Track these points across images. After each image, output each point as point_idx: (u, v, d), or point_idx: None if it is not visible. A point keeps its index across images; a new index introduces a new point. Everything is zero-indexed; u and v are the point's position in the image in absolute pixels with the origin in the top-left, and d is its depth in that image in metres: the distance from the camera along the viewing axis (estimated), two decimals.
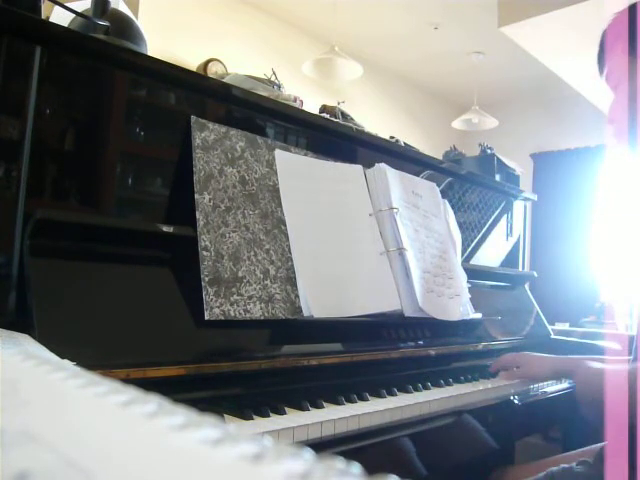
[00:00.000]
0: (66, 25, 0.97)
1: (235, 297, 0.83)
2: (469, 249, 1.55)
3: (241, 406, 0.73)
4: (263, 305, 0.86)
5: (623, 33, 0.82)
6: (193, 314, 0.79)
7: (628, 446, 0.78)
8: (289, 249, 0.94)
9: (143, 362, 0.70)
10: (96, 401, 0.21)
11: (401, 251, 1.10)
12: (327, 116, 1.45)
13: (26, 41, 0.74)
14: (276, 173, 0.99)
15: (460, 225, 1.41)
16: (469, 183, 1.57)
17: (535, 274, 1.77)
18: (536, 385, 1.17)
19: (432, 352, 1.14)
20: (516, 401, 1.09)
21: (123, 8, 1.24)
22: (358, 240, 1.07)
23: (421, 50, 4.85)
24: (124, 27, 1.05)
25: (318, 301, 0.92)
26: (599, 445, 0.91)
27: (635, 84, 0.82)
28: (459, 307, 1.21)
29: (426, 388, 0.99)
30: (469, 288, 1.28)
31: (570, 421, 1.45)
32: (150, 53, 0.97)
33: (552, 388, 1.23)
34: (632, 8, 0.83)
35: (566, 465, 0.90)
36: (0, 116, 0.73)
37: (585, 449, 1.03)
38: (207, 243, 0.83)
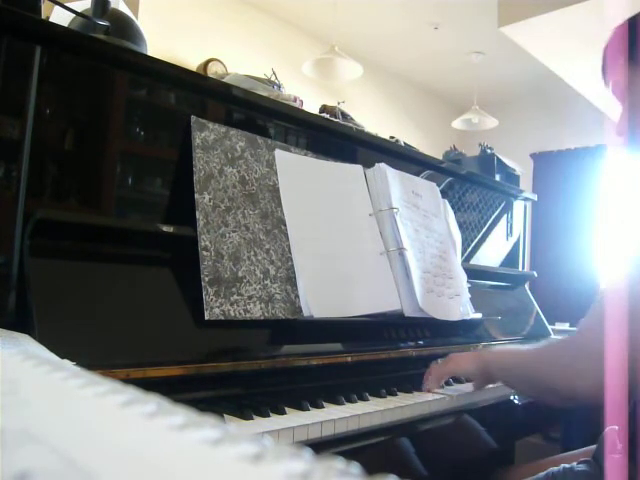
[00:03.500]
0: (66, 25, 0.97)
1: (235, 297, 0.83)
2: (469, 249, 1.55)
3: (241, 406, 0.73)
4: (263, 305, 0.86)
5: (623, 45, 0.84)
6: (193, 314, 0.79)
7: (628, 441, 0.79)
8: (289, 249, 0.94)
9: (143, 362, 0.70)
10: (96, 401, 0.21)
11: (401, 251, 1.10)
12: (327, 116, 1.45)
13: (26, 41, 0.74)
14: (276, 173, 0.99)
15: (460, 225, 1.41)
16: (469, 183, 1.57)
17: (535, 274, 1.77)
18: None
19: (432, 352, 1.14)
20: (516, 401, 1.09)
21: (123, 8, 1.24)
22: (358, 240, 1.06)
23: (421, 50, 4.85)
24: (124, 27, 1.05)
25: (318, 301, 0.92)
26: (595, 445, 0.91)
27: (635, 96, 0.84)
28: (459, 307, 1.21)
29: None
30: (469, 288, 1.28)
31: (570, 421, 1.45)
32: (150, 53, 0.97)
33: None
34: (631, 20, 0.85)
35: (567, 465, 0.90)
36: (0, 116, 0.73)
37: (586, 449, 1.03)
38: (207, 243, 0.83)
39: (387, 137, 1.52)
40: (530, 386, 0.89)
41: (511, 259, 1.77)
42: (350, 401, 0.85)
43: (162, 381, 0.71)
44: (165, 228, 0.85)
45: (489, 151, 2.05)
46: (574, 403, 0.84)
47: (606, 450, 0.82)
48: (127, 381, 0.64)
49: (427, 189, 1.31)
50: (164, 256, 0.84)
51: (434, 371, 0.99)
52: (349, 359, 0.96)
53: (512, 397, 1.09)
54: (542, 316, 1.65)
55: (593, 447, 0.92)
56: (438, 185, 1.37)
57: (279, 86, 1.54)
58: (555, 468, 0.91)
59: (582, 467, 0.88)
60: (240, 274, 0.85)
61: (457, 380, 1.10)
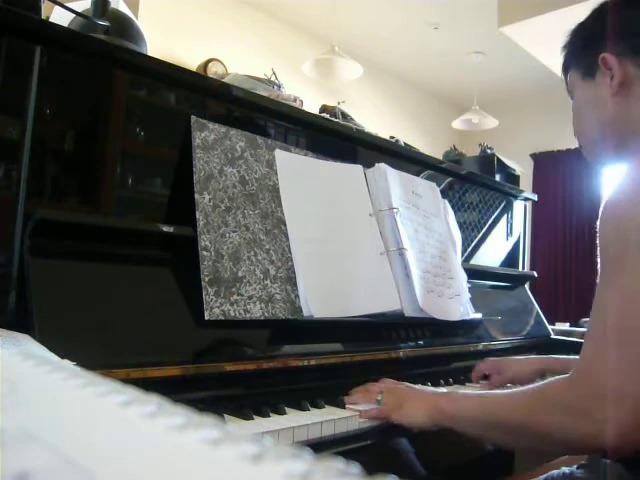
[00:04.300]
0: (66, 25, 0.97)
1: (235, 297, 0.83)
2: (469, 249, 1.55)
3: (241, 406, 0.74)
4: (263, 305, 0.86)
5: (572, 51, 0.89)
6: (193, 314, 0.79)
7: None
8: (289, 249, 0.94)
9: (143, 362, 0.70)
10: (96, 401, 0.21)
11: (401, 251, 1.10)
12: (327, 116, 1.45)
13: (26, 41, 0.74)
14: (276, 173, 0.99)
15: (460, 225, 1.41)
16: (469, 183, 1.57)
17: (535, 274, 1.77)
18: None
19: (432, 352, 1.14)
20: None
21: (123, 8, 1.24)
22: (358, 240, 1.06)
23: (421, 50, 4.85)
24: (124, 27, 1.05)
25: (318, 301, 0.92)
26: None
27: (578, 98, 0.89)
28: (459, 307, 1.21)
29: None
30: (469, 288, 1.28)
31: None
32: (150, 53, 0.97)
33: None
34: (581, 24, 0.89)
35: (567, 469, 0.90)
36: (0, 116, 0.73)
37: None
38: (207, 243, 0.83)
39: (387, 137, 1.52)
40: (525, 441, 0.74)
41: (511, 259, 1.77)
42: None
43: (162, 381, 0.71)
44: (165, 228, 0.85)
45: (489, 151, 2.05)
46: (593, 451, 0.71)
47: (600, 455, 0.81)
48: (127, 381, 0.64)
49: (427, 189, 1.31)
50: (164, 256, 0.84)
51: (375, 412, 0.81)
52: (349, 359, 0.96)
53: None
54: (542, 316, 1.65)
55: None
56: (438, 185, 1.37)
57: (279, 86, 1.54)
58: (555, 471, 0.91)
59: (581, 472, 0.87)
60: (240, 274, 0.85)
61: None
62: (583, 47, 0.87)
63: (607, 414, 0.61)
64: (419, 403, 0.81)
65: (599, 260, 0.70)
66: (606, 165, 0.92)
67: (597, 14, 0.86)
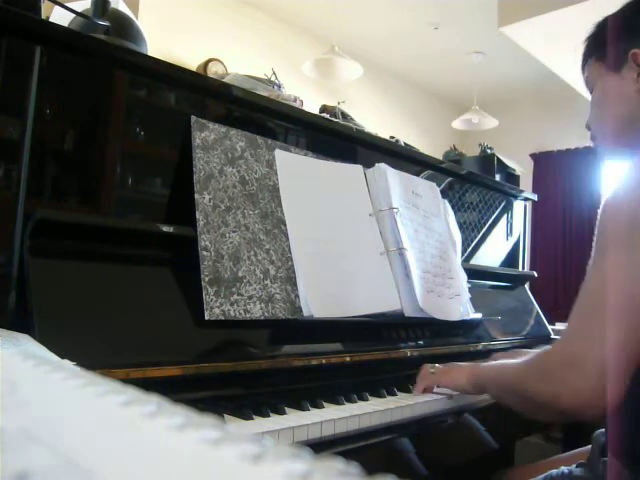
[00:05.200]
0: (66, 25, 0.97)
1: (235, 297, 0.83)
2: (469, 249, 1.55)
3: (241, 406, 0.73)
4: (263, 305, 0.86)
5: (598, 42, 0.88)
6: (193, 314, 0.79)
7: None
8: (289, 249, 0.94)
9: (143, 362, 0.70)
10: (96, 401, 0.21)
11: (401, 251, 1.10)
12: (327, 116, 1.45)
13: (26, 41, 0.74)
14: (276, 173, 0.99)
15: (460, 225, 1.41)
16: (469, 183, 1.57)
17: (535, 274, 1.77)
18: None
19: (432, 352, 1.14)
20: None
21: (123, 8, 1.24)
22: (358, 240, 1.06)
23: (421, 50, 4.85)
24: (124, 27, 1.05)
25: (318, 301, 0.92)
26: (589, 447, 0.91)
27: (599, 90, 0.88)
28: (459, 307, 1.21)
29: None
30: (469, 288, 1.28)
31: (570, 420, 1.45)
32: (150, 53, 0.97)
33: None
34: (606, 19, 0.88)
35: (566, 469, 0.90)
36: (0, 116, 0.73)
37: (586, 448, 1.03)
38: (207, 243, 0.83)
39: (387, 137, 1.52)
40: (518, 401, 0.80)
41: (511, 259, 1.77)
42: (350, 401, 0.85)
43: (162, 381, 0.71)
44: (165, 228, 0.85)
45: (489, 151, 2.05)
46: (565, 418, 0.76)
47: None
48: (127, 381, 0.64)
49: (427, 189, 1.31)
50: (164, 256, 0.84)
51: (427, 379, 0.95)
52: (349, 359, 0.96)
53: None
54: (542, 316, 1.65)
55: (589, 447, 0.92)
56: (438, 185, 1.37)
57: (279, 86, 1.54)
58: (555, 471, 0.91)
59: (580, 471, 0.88)
60: (240, 274, 0.85)
61: None
62: (613, 39, 0.85)
63: (572, 379, 0.67)
64: (461, 370, 0.93)
65: (593, 246, 0.75)
66: (616, 159, 0.91)
67: (634, 8, 0.85)
